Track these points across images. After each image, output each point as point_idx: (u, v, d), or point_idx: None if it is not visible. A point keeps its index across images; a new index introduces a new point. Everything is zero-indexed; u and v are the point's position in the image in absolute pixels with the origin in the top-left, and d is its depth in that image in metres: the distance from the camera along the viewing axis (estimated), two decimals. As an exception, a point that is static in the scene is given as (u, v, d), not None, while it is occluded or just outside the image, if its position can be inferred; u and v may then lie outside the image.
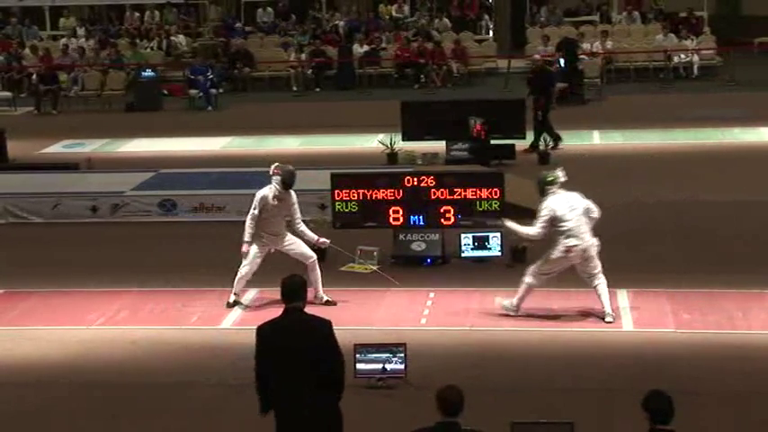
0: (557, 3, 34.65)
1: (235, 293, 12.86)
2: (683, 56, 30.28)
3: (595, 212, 11.95)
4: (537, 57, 23.93)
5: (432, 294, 12.82)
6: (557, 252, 11.81)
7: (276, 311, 12.56)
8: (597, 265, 11.89)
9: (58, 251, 15.68)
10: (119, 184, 18.12)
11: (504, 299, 12.27)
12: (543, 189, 11.92)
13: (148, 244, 15.84)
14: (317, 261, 12.78)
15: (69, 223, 17.02)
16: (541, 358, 11.17)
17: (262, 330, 8.07)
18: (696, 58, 30.23)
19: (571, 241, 11.70)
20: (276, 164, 12.95)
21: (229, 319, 12.59)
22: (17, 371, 11.38)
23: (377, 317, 12.35)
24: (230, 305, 12.81)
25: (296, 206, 12.80)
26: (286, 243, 12.77)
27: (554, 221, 11.74)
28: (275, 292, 13.10)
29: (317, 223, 14.72)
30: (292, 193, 12.75)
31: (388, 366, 10.37)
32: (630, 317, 12.15)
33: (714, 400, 10.04)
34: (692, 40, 30.64)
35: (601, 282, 11.90)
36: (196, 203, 16.96)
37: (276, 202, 12.58)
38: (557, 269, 11.98)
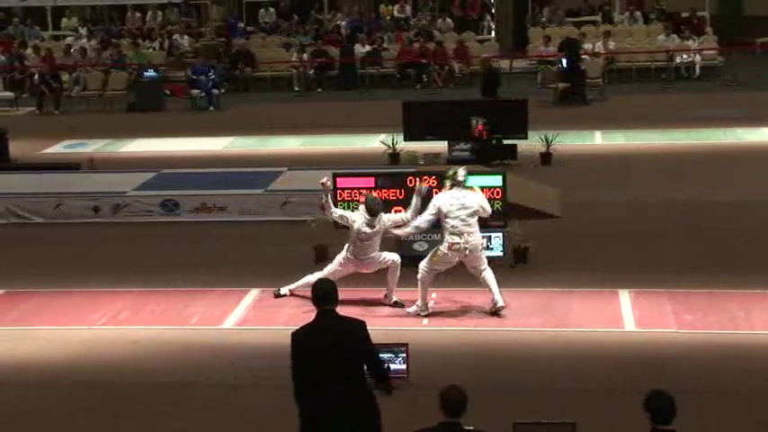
0: (558, 3, 34.64)
1: (290, 289, 13.01)
2: (685, 56, 30.27)
3: (487, 212, 12.33)
4: (485, 55, 24.14)
5: (433, 294, 12.80)
6: (442, 248, 12.13)
7: (276, 311, 12.68)
8: (484, 262, 12.24)
9: (60, 251, 15.69)
10: (120, 184, 18.12)
11: (409, 307, 12.48)
12: (442, 183, 12.49)
13: (150, 244, 15.84)
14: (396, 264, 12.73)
15: (71, 223, 17.02)
16: (543, 358, 11.17)
17: (297, 335, 7.99)
18: (698, 58, 30.22)
19: (454, 239, 11.97)
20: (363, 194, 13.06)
21: (230, 319, 12.59)
22: (18, 371, 11.38)
23: (378, 317, 12.34)
24: (278, 295, 13.03)
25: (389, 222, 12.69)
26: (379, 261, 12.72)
27: (441, 217, 12.08)
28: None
29: (318, 223, 14.72)
30: (382, 216, 12.60)
31: (390, 366, 10.36)
32: (632, 317, 12.14)
33: (715, 400, 10.04)
34: (694, 40, 30.63)
35: (486, 272, 12.20)
36: (198, 204, 16.96)
37: (367, 230, 12.50)
38: (443, 266, 12.27)
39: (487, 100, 22.71)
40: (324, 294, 7.99)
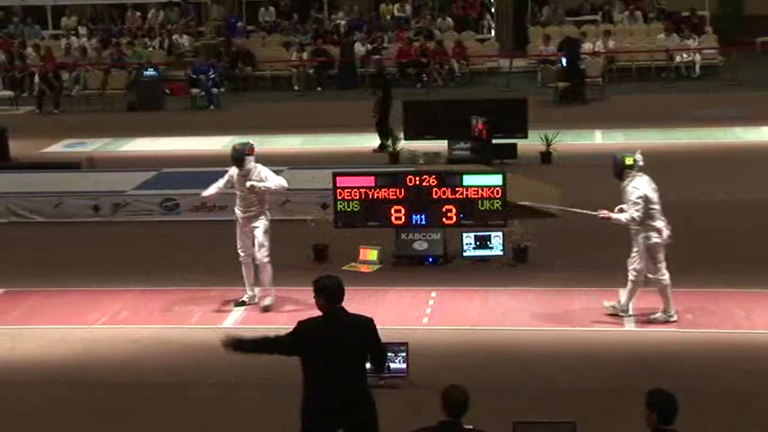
0: (558, 2, 34.65)
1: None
2: (685, 55, 30.30)
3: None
4: (376, 57, 24.33)
5: (434, 294, 12.81)
6: (662, 237, 11.67)
7: (277, 311, 12.67)
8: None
9: (60, 250, 15.69)
10: (120, 183, 18.13)
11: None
12: (621, 173, 11.71)
13: (150, 243, 15.84)
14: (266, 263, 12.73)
15: (71, 222, 17.02)
16: (543, 358, 11.16)
17: (302, 323, 7.93)
18: (698, 57, 30.24)
19: (662, 223, 11.62)
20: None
21: (230, 318, 12.59)
22: (19, 370, 11.38)
23: (379, 316, 12.25)
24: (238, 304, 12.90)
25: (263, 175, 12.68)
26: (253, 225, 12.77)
27: (646, 203, 11.56)
28: (277, 292, 13.21)
29: (319, 222, 14.74)
30: (257, 166, 12.65)
31: (390, 366, 10.35)
32: (633, 316, 12.13)
33: (715, 399, 10.03)
34: (695, 39, 30.65)
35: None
36: (198, 203, 16.95)
37: (237, 176, 12.63)
38: (662, 255, 11.78)
39: (488, 99, 22.70)
40: (330, 293, 7.92)
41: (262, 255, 12.65)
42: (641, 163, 11.71)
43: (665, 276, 11.74)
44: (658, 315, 11.90)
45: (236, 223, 12.83)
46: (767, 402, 9.99)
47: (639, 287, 11.88)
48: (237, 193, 12.73)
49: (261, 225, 12.67)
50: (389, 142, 20.59)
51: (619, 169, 11.71)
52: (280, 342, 8.01)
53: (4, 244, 16.11)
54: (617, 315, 11.98)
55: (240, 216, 12.74)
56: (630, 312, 11.99)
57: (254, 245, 12.69)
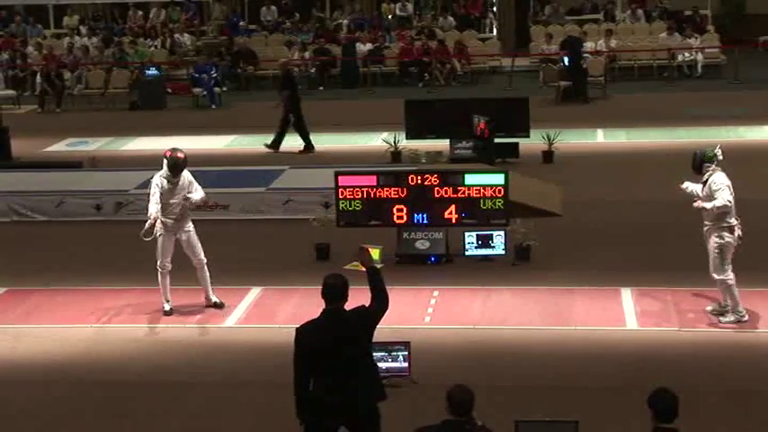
0: (560, 1, 34.63)
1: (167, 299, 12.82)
2: (687, 54, 30.27)
3: None
4: (282, 60, 24.58)
5: (436, 293, 12.81)
6: (734, 235, 11.62)
7: (278, 309, 12.67)
8: None
9: (62, 250, 15.69)
10: (123, 182, 18.13)
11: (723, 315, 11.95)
12: (701, 166, 11.71)
13: (152, 243, 15.78)
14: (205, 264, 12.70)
15: (73, 221, 17.03)
16: (545, 357, 11.16)
17: (300, 331, 7.92)
18: (700, 56, 30.21)
19: (735, 221, 11.59)
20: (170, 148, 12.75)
21: (232, 317, 12.59)
22: (20, 369, 11.39)
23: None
24: (167, 313, 12.75)
25: (191, 185, 12.64)
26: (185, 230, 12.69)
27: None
28: (279, 291, 13.22)
29: (321, 222, 14.74)
30: (184, 174, 12.58)
31: (393, 365, 10.36)
32: (634, 315, 12.13)
33: (717, 398, 10.02)
34: (696, 38, 30.62)
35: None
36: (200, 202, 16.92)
37: (168, 186, 12.48)
38: (730, 256, 11.75)
39: (490, 98, 22.71)
40: (332, 292, 7.91)
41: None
42: (721, 157, 11.73)
43: (731, 276, 11.70)
44: (729, 317, 11.82)
45: (158, 234, 12.61)
46: (767, 402, 10.00)
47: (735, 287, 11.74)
48: (170, 201, 12.51)
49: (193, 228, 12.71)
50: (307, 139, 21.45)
51: (699, 162, 11.74)
52: (298, 374, 7.88)
53: (5, 243, 16.11)
54: (739, 321, 11.79)
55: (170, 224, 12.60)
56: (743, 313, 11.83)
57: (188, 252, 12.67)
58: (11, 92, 30.29)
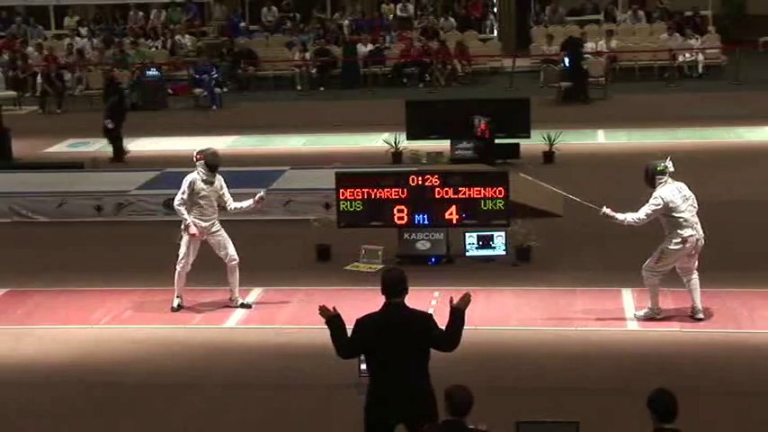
0: (561, 2, 34.64)
1: (178, 295, 12.81)
2: (687, 55, 30.28)
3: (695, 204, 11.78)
4: (107, 69, 24.80)
5: (436, 293, 12.80)
6: (673, 245, 11.63)
7: (279, 310, 12.66)
8: (697, 261, 11.78)
9: (62, 250, 15.69)
10: (123, 183, 18.13)
11: (637, 311, 12.08)
12: (654, 179, 11.75)
13: (153, 243, 15.82)
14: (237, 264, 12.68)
15: (74, 222, 17.03)
16: (546, 357, 11.16)
17: (361, 322, 7.92)
18: (701, 57, 30.23)
19: (688, 231, 11.57)
20: (198, 149, 12.74)
21: (233, 318, 12.59)
22: (21, 369, 11.38)
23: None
24: (175, 309, 12.74)
25: (225, 189, 12.66)
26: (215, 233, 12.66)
27: (666, 212, 11.54)
28: (279, 292, 13.22)
29: (322, 222, 14.74)
30: (218, 176, 12.61)
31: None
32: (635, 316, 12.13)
33: (718, 398, 10.03)
34: (697, 39, 30.63)
35: (695, 275, 11.82)
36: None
37: (205, 186, 12.47)
38: (671, 265, 11.79)
39: (491, 99, 22.71)
40: (392, 285, 7.90)
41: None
42: (672, 169, 11.74)
43: (656, 283, 11.79)
44: (644, 311, 11.97)
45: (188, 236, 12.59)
46: (767, 402, 10.00)
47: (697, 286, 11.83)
48: (201, 202, 12.50)
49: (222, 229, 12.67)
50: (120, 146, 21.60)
51: (651, 176, 11.75)
52: (350, 342, 7.92)
53: (6, 244, 16.11)
54: (652, 318, 11.89)
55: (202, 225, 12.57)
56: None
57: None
58: (12, 93, 30.29)
